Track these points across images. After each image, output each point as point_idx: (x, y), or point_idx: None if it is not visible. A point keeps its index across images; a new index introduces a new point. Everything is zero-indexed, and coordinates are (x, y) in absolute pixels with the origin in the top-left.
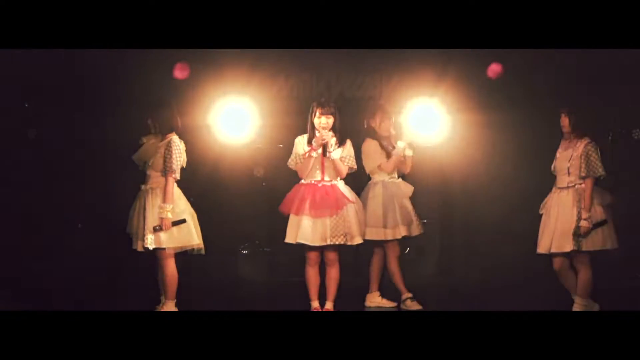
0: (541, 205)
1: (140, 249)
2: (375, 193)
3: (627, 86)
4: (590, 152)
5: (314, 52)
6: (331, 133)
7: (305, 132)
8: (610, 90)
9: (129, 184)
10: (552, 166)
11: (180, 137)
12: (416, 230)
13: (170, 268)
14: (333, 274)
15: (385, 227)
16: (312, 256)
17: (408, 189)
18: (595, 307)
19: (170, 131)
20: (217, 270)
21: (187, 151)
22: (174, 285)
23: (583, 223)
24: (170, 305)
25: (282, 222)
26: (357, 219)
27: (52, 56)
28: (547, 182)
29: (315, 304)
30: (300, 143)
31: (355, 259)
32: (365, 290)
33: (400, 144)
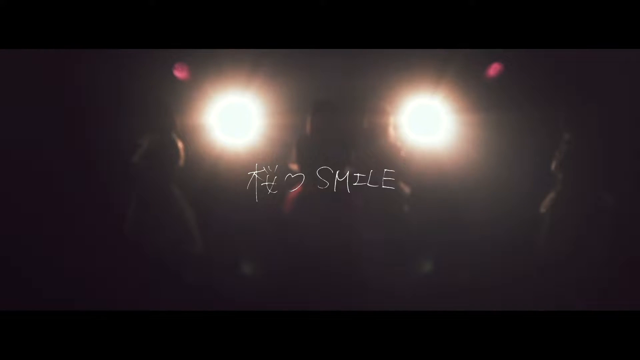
0: (542, 204)
1: None
2: None
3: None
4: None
5: (314, 52)
6: None
7: (304, 132)
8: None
9: (126, 184)
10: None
11: (179, 137)
12: None
13: None
14: None
15: None
16: None
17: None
18: None
19: (169, 131)
20: (217, 270)
21: (186, 151)
22: None
23: None
24: None
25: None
26: None
27: (51, 56)
28: (547, 181)
29: None
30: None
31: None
32: (363, 290)
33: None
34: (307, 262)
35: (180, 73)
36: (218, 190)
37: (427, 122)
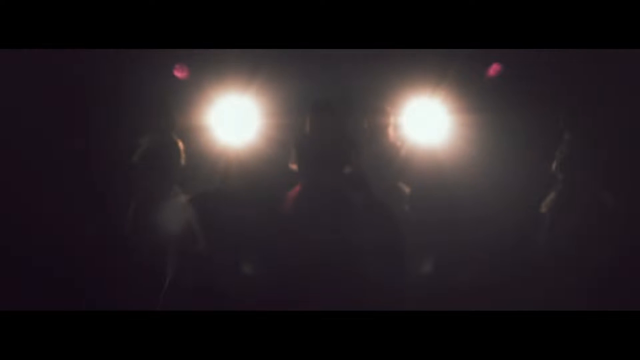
0: (543, 204)
1: None
2: None
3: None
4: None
5: (314, 52)
6: None
7: (304, 132)
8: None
9: (126, 185)
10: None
11: (179, 137)
12: None
13: None
14: None
15: None
16: None
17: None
18: None
19: (169, 131)
20: (217, 271)
21: (186, 152)
22: None
23: None
24: None
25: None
26: None
27: (51, 56)
28: (547, 181)
29: None
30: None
31: (354, 258)
32: (363, 290)
33: None
34: (307, 262)
35: (180, 73)
36: (218, 190)
37: (427, 122)
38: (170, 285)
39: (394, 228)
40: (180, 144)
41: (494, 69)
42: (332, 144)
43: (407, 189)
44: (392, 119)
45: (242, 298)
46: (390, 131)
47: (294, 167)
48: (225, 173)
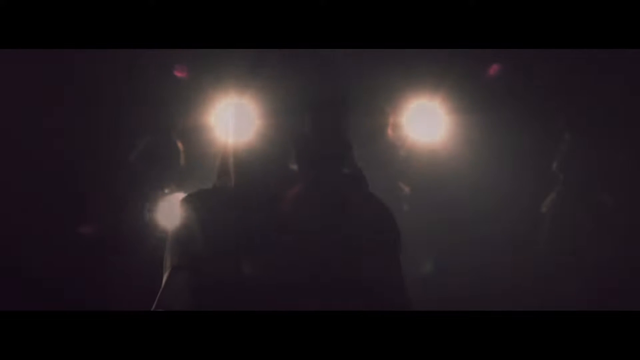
0: (543, 204)
1: None
2: None
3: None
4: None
5: (313, 52)
6: None
7: (304, 131)
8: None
9: (125, 185)
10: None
11: (179, 137)
12: None
13: None
14: None
15: None
16: None
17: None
18: None
19: (168, 131)
20: (215, 270)
21: (186, 152)
22: None
23: None
24: None
25: (283, 222)
26: None
27: (50, 56)
28: (547, 181)
29: None
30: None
31: (354, 259)
32: (363, 290)
33: None
34: (306, 262)
35: (180, 73)
36: (217, 190)
37: (427, 122)
38: (168, 285)
39: (394, 228)
40: (180, 144)
41: (494, 69)
42: (332, 143)
43: (407, 189)
44: (392, 119)
45: (241, 298)
46: (390, 131)
47: (293, 166)
48: (224, 173)
